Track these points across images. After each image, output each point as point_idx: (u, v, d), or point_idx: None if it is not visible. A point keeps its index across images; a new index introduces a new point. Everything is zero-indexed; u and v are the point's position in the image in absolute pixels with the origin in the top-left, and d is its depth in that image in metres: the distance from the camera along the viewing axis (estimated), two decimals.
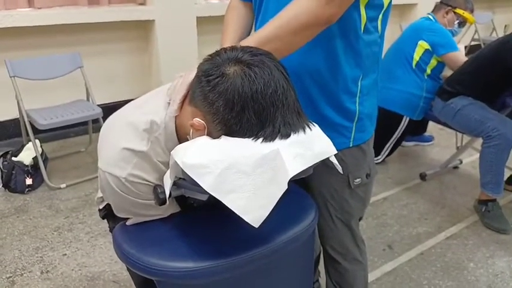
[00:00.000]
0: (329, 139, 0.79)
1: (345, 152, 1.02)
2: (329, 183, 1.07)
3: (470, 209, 2.22)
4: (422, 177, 2.54)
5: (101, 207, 1.14)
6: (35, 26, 2.72)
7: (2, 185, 2.37)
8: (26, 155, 2.41)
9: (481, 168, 2.08)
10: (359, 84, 0.99)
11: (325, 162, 0.83)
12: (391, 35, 2.65)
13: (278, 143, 0.71)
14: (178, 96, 0.80)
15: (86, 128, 2.93)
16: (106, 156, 0.87)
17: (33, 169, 2.37)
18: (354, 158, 1.05)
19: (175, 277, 0.82)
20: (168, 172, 0.81)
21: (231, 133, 0.73)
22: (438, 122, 2.40)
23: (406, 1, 4.68)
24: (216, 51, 0.78)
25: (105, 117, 2.44)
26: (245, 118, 0.71)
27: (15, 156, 2.40)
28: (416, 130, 2.88)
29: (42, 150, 2.52)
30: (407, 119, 2.45)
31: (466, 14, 2.39)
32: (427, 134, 3.03)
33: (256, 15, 1.08)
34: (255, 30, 1.09)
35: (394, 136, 2.51)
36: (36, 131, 2.43)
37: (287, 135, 0.72)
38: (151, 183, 0.86)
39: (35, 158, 2.40)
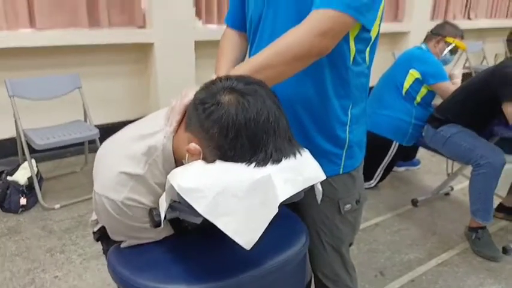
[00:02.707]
0: (318, 165, 0.83)
1: (335, 179, 1.06)
2: (320, 209, 1.09)
3: (461, 236, 2.24)
4: (414, 203, 2.57)
5: (95, 229, 1.16)
6: (36, 47, 2.78)
7: None
8: (21, 175, 2.42)
9: (470, 196, 2.12)
10: (349, 113, 1.03)
11: (322, 193, 0.87)
12: (384, 63, 2.74)
13: (270, 168, 0.74)
14: (175, 119, 0.83)
15: (82, 148, 2.95)
16: (102, 179, 0.89)
17: (28, 189, 2.38)
18: (344, 185, 1.08)
19: None
20: (163, 196, 0.84)
21: (225, 158, 0.76)
22: (429, 148, 2.45)
23: (398, 29, 4.82)
24: (212, 80, 0.83)
25: (101, 138, 2.49)
26: (239, 144, 0.74)
27: (11, 175, 2.41)
28: (408, 156, 2.93)
29: (38, 170, 2.53)
30: (397, 144, 2.51)
31: (457, 42, 2.48)
32: (416, 158, 3.08)
33: (250, 43, 1.12)
34: (249, 57, 1.14)
35: (385, 161, 2.56)
36: (33, 151, 2.44)
37: (278, 161, 0.75)
38: (147, 206, 0.89)
39: (30, 178, 2.41)
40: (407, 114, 2.46)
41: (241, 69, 0.88)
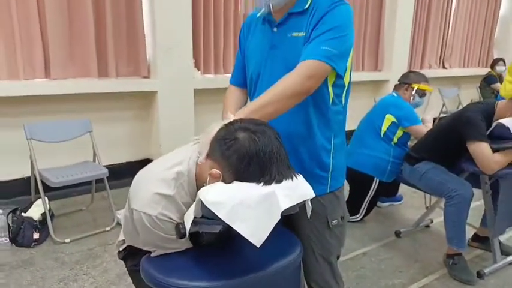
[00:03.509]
0: (309, 186, 1.08)
1: (324, 198, 1.32)
2: (312, 225, 1.34)
3: (440, 263, 2.46)
4: (397, 234, 2.80)
5: (121, 249, 1.39)
6: (51, 95, 3.06)
7: (9, 239, 2.54)
8: (35, 211, 2.61)
9: (445, 225, 2.36)
10: (332, 142, 1.33)
11: (314, 210, 1.12)
12: (367, 107, 3.06)
13: (274, 187, 1.00)
14: (205, 150, 1.09)
15: (87, 188, 3.15)
16: (141, 199, 1.13)
17: (41, 224, 2.56)
18: (330, 203, 1.34)
19: None
20: (190, 210, 1.07)
21: (240, 179, 1.01)
22: (408, 184, 2.72)
23: (379, 78, 5.25)
24: (230, 121, 1.10)
25: (109, 178, 2.72)
26: (251, 169, 1.00)
27: (24, 212, 2.60)
28: (390, 192, 3.20)
29: (49, 207, 2.72)
30: (378, 180, 2.78)
31: (422, 86, 2.85)
32: (398, 194, 3.34)
33: (251, 93, 1.44)
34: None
35: (368, 195, 2.82)
36: (45, 189, 2.64)
37: (280, 181, 1.01)
38: (174, 221, 1.12)
39: (43, 214, 2.60)
40: (385, 153, 2.76)
41: (249, 108, 1.17)
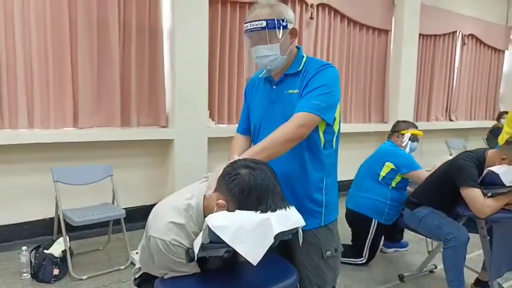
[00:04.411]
0: (301, 216, 1.27)
1: (319, 230, 1.50)
2: (308, 255, 1.52)
3: None
4: (401, 278, 2.87)
5: (136, 276, 1.57)
6: (77, 142, 3.35)
7: (30, 275, 2.71)
8: (56, 249, 2.80)
9: (444, 268, 2.46)
10: (324, 182, 1.52)
11: (307, 239, 1.30)
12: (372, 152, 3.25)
13: (269, 214, 1.18)
14: (213, 186, 1.30)
15: (104, 230, 3.35)
16: (157, 227, 1.32)
17: (61, 261, 2.74)
18: (324, 236, 1.52)
19: None
20: (199, 237, 1.26)
21: (241, 208, 1.21)
22: (408, 228, 2.84)
23: (385, 129, 5.44)
24: (234, 161, 1.31)
25: (124, 220, 2.91)
26: (250, 199, 1.20)
27: (47, 249, 2.79)
28: (395, 237, 3.30)
29: (70, 245, 2.90)
30: (376, 221, 2.92)
31: (411, 131, 3.08)
32: (404, 240, 3.42)
33: (255, 139, 1.67)
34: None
35: (369, 236, 2.94)
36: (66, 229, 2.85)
37: (274, 210, 1.20)
38: (185, 247, 1.31)
39: (63, 251, 2.78)
40: (383, 196, 2.93)
41: (251, 151, 1.40)
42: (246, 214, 1.19)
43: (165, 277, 1.37)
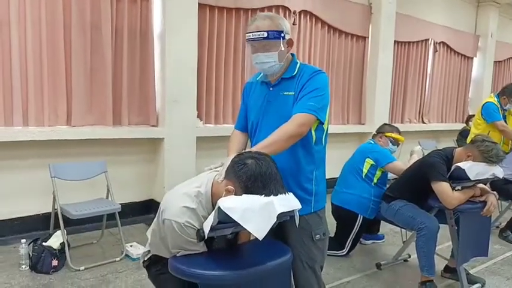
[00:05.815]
0: (298, 201, 1.47)
1: (309, 216, 1.72)
2: (300, 238, 1.73)
3: None
4: (378, 266, 3.13)
5: (145, 258, 1.75)
6: (72, 139, 3.46)
7: (29, 267, 2.82)
8: (54, 241, 2.91)
9: (417, 255, 2.72)
10: (314, 174, 1.73)
11: (299, 224, 1.51)
12: (352, 154, 3.50)
13: (272, 198, 1.39)
14: (223, 172, 1.49)
15: (97, 225, 3.48)
16: (172, 211, 1.50)
17: (60, 253, 2.86)
18: (314, 221, 1.73)
19: (210, 279, 1.41)
20: (208, 219, 1.45)
21: (248, 193, 1.40)
22: (385, 220, 3.10)
23: (362, 130, 5.76)
24: (241, 152, 1.52)
25: (120, 213, 3.06)
26: (256, 185, 1.40)
27: (45, 242, 2.90)
28: (372, 229, 3.56)
29: (67, 239, 3.02)
30: (361, 217, 3.15)
31: (394, 135, 3.34)
32: (380, 233, 3.69)
33: (252, 136, 1.87)
34: (251, 145, 1.86)
35: (353, 231, 3.18)
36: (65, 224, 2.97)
37: (276, 195, 1.40)
38: (195, 228, 1.49)
39: (61, 244, 2.90)
40: (367, 192, 3.17)
41: (258, 146, 1.59)
42: (252, 197, 1.39)
43: (178, 255, 1.55)
